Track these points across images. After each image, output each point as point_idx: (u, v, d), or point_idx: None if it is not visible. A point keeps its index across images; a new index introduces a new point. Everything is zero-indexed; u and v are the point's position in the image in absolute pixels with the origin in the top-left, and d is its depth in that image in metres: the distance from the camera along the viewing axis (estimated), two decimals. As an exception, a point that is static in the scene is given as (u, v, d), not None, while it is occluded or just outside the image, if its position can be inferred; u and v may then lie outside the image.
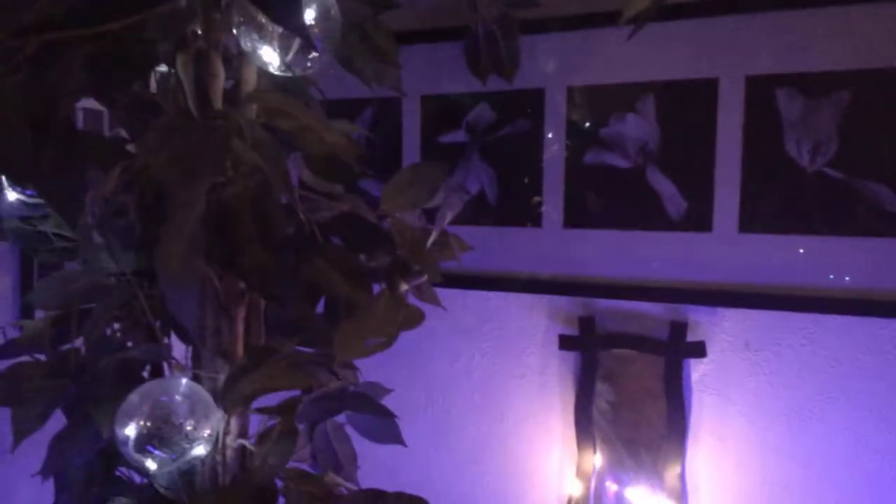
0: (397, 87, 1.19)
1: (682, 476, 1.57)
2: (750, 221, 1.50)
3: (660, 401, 1.59)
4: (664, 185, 1.56)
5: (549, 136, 1.65)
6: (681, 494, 1.55)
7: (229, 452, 1.17)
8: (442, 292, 1.43)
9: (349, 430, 1.34)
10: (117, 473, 1.25)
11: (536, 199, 1.66)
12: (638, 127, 1.57)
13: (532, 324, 1.72)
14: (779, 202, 1.47)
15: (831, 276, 1.45)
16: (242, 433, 1.22)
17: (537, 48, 1.65)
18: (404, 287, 1.01)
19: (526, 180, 1.68)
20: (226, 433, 1.16)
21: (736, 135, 1.50)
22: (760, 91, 1.48)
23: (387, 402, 1.21)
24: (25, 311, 1.50)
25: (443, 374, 1.81)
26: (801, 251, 1.46)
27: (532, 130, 1.67)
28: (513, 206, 1.70)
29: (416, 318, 1.02)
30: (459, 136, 1.73)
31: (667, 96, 1.55)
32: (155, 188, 0.82)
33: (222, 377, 1.12)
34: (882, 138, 1.40)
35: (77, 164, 0.77)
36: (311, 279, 1.09)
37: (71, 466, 1.18)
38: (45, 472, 1.14)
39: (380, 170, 1.64)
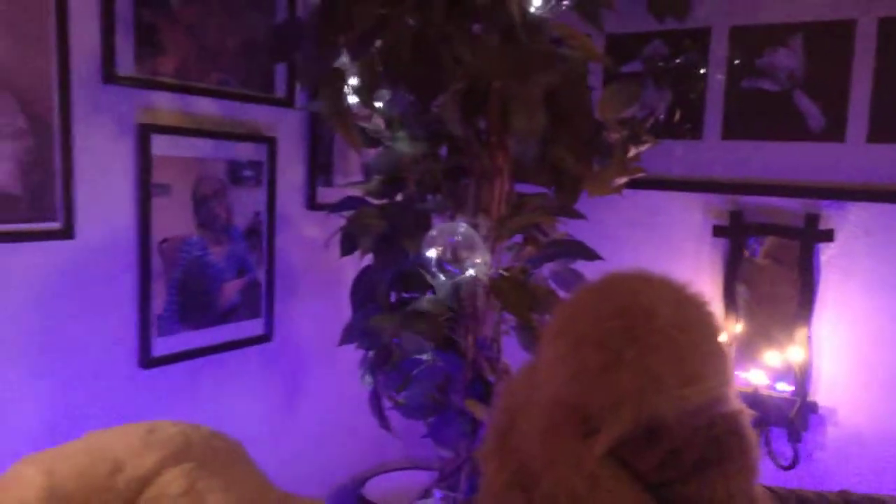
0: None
1: (808, 337, 2.00)
2: (876, 134, 1.89)
3: (794, 277, 2.02)
4: (806, 105, 1.96)
5: (713, 65, 2.08)
6: (807, 348, 1.99)
7: (486, 280, 1.72)
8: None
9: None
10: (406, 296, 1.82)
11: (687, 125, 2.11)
12: (788, 58, 1.98)
13: (689, 218, 2.18)
14: (901, 118, 1.85)
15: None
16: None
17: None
18: (632, 153, 1.50)
19: (690, 101, 2.12)
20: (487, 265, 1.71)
21: (869, 65, 1.88)
22: (890, 30, 1.85)
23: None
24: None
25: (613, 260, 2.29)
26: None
27: (698, 61, 2.10)
28: (677, 122, 2.15)
29: (635, 171, 1.51)
30: (636, 66, 2.18)
31: (813, 33, 1.94)
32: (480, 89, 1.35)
33: (483, 226, 1.66)
34: None
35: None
36: (551, 162, 1.61)
37: (377, 290, 1.75)
38: (353, 297, 1.73)
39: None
